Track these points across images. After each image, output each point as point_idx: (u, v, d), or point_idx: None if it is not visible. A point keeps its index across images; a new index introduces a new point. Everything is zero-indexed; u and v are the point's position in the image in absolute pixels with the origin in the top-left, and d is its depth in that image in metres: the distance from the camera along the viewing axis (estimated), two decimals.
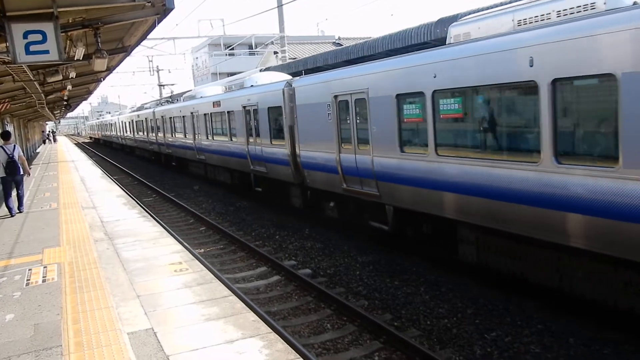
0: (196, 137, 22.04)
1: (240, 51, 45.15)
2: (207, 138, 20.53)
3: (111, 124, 55.22)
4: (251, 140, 15.99)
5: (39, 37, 6.26)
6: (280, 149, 13.97)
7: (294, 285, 9.59)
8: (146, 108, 36.49)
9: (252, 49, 42.52)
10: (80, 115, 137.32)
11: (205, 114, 20.43)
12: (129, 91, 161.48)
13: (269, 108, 14.32)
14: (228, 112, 17.73)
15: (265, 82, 16.40)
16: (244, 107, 16.02)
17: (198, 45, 56.87)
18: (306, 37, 42.42)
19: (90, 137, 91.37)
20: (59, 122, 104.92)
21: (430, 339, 7.21)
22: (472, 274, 9.06)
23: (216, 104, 18.82)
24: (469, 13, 13.68)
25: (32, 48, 6.24)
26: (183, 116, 23.61)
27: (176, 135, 25.59)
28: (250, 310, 5.41)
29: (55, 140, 65.47)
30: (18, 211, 12.72)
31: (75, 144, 66.27)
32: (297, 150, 13.15)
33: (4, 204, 12.98)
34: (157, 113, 29.55)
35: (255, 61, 44.23)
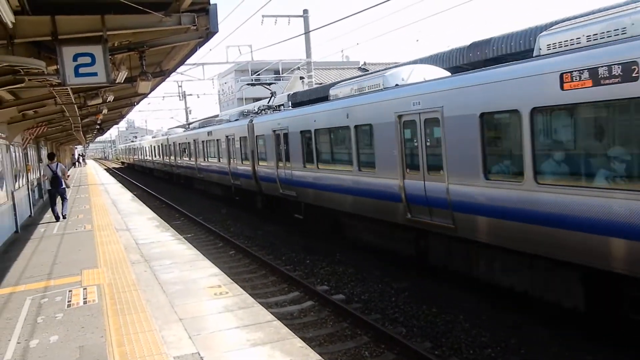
0: (411, 173, 9.97)
1: (266, 76, 45.76)
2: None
3: (154, 146, 41.11)
4: None
5: (87, 59, 6.40)
6: None
7: (328, 311, 9.43)
8: (219, 122, 24.60)
9: (278, 74, 43.01)
10: (107, 139, 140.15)
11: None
12: (155, 116, 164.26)
13: None
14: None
15: None
16: None
17: (225, 71, 57.94)
18: (332, 62, 42.87)
19: (122, 163, 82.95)
20: (88, 146, 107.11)
21: None
22: (511, 300, 8.82)
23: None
24: (500, 38, 13.53)
25: (82, 70, 6.37)
26: (359, 126, 11.52)
27: (330, 167, 13.22)
28: (296, 336, 5.29)
29: (85, 163, 68.44)
30: (62, 216, 15.54)
31: (105, 169, 65.63)
32: None
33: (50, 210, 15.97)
34: (259, 126, 17.59)
35: (280, 87, 44.73)
